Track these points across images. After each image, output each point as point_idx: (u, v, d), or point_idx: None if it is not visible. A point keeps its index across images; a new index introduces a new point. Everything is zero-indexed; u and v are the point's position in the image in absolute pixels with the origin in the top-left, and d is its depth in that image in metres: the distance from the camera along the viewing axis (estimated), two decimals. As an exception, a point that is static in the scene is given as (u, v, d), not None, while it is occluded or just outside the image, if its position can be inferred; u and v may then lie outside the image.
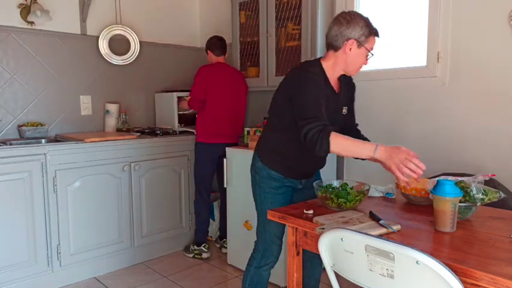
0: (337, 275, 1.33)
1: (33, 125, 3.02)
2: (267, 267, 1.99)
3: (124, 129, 3.43)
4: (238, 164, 2.84)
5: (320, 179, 2.05)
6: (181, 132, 3.43)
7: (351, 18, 1.72)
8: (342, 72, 1.84)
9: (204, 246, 3.21)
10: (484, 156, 2.29)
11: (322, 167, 2.03)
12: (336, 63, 1.79)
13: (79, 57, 3.29)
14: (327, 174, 2.76)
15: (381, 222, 1.41)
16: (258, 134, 2.77)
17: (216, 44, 3.20)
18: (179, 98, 3.47)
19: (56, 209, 2.68)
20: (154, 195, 3.18)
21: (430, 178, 1.75)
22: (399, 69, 2.64)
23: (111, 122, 3.43)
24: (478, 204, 1.49)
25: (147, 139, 3.13)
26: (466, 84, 2.35)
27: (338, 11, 2.78)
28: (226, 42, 3.26)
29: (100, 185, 2.87)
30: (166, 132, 3.34)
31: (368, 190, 1.71)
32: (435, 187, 1.42)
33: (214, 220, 3.53)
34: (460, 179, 1.54)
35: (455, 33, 2.37)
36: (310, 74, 1.73)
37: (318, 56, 2.58)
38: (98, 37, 3.37)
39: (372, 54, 1.79)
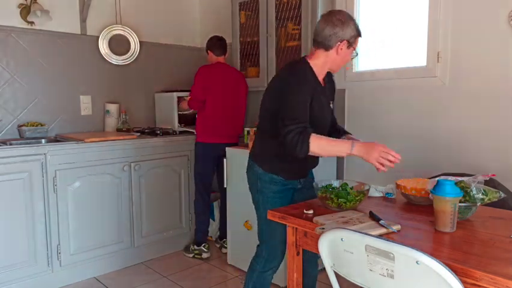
0: (337, 275, 1.33)
1: (33, 125, 3.02)
2: (271, 271, 2.00)
3: (124, 129, 3.43)
4: (238, 164, 2.83)
5: (313, 176, 2.09)
6: (181, 132, 3.43)
7: (345, 19, 1.77)
8: (328, 70, 1.90)
9: (204, 246, 3.21)
10: (484, 156, 2.29)
11: (317, 164, 2.07)
12: (326, 62, 1.84)
13: (79, 57, 3.29)
14: (327, 174, 2.76)
15: (381, 222, 1.41)
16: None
17: (216, 44, 3.20)
18: (179, 98, 3.47)
19: (56, 209, 2.68)
20: (154, 195, 3.18)
21: (430, 178, 1.75)
22: (399, 69, 2.64)
23: (111, 122, 3.43)
24: (478, 204, 1.49)
25: (147, 139, 3.13)
26: (466, 84, 2.35)
27: (338, 11, 2.79)
28: (226, 42, 3.26)
29: (100, 185, 2.87)
30: (166, 132, 3.34)
31: (368, 190, 1.72)
32: (435, 187, 1.42)
33: (214, 220, 3.53)
34: (460, 179, 1.54)
35: (455, 33, 2.37)
36: (301, 75, 1.77)
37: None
38: (98, 37, 3.37)
39: (357, 54, 1.87)
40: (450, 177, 1.51)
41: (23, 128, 2.97)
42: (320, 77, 1.86)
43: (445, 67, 2.41)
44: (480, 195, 1.48)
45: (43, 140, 2.99)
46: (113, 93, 3.51)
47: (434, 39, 2.43)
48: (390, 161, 1.60)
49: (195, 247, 3.23)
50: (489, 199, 1.50)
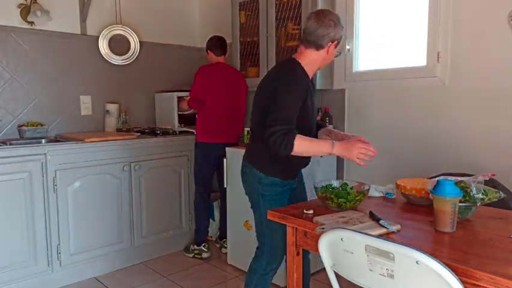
0: (337, 275, 1.33)
1: (33, 125, 3.02)
2: (271, 273, 2.00)
3: (124, 129, 3.43)
4: (238, 164, 2.81)
5: (301, 174, 2.13)
6: (181, 132, 3.43)
7: (337, 20, 1.83)
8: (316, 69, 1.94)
9: (204, 246, 3.21)
10: (484, 156, 2.29)
11: (309, 163, 2.09)
12: (316, 61, 1.87)
13: (79, 57, 3.29)
14: (327, 174, 2.76)
15: (381, 222, 1.41)
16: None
17: (216, 44, 3.19)
18: (179, 98, 3.47)
19: (56, 209, 2.68)
20: (154, 195, 3.18)
21: (430, 178, 1.75)
22: (399, 69, 2.64)
23: (111, 122, 3.43)
24: (478, 204, 1.49)
25: (147, 139, 3.13)
26: (466, 84, 2.35)
27: (338, 11, 2.79)
28: (226, 42, 3.26)
29: (100, 185, 2.87)
30: (166, 132, 3.34)
31: (368, 190, 1.72)
32: (435, 187, 1.42)
33: (214, 220, 3.53)
34: (460, 179, 1.54)
35: (455, 33, 2.37)
36: (295, 76, 1.79)
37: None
38: (98, 37, 3.37)
39: (340, 53, 1.96)
40: (450, 177, 1.51)
41: (23, 128, 2.97)
42: (310, 76, 1.89)
43: (445, 67, 2.41)
44: (480, 195, 1.48)
45: (43, 140, 2.99)
46: (113, 93, 3.51)
47: (434, 39, 2.43)
48: (370, 156, 1.70)
49: (195, 247, 3.23)
50: (489, 199, 1.50)
